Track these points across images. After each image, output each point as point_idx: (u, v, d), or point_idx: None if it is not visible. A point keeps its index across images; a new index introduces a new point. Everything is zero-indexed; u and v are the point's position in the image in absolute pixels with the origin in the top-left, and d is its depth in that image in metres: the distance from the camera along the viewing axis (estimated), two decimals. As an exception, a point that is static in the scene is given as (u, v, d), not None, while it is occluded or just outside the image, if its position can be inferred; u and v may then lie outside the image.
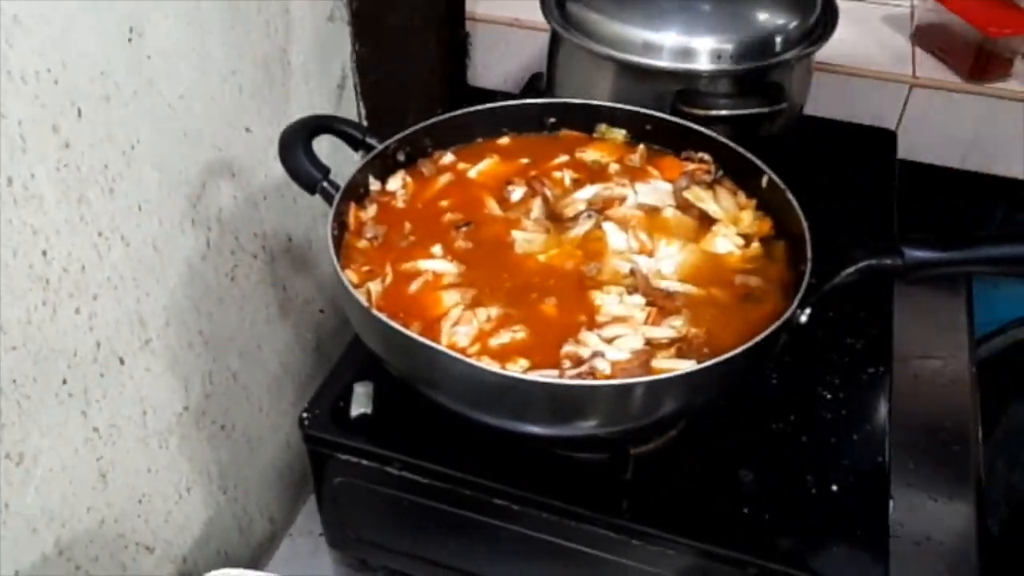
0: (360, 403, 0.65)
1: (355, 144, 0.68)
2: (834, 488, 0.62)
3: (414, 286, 0.59)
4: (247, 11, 0.78)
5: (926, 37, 1.07)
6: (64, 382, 0.64)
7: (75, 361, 0.65)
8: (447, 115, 0.72)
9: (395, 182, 0.69)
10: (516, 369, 0.54)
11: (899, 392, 0.95)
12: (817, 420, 0.67)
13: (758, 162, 0.69)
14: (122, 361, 0.70)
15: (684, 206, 0.69)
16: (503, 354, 0.56)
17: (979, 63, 1.00)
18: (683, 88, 0.78)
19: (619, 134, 0.75)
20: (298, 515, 0.80)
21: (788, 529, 0.61)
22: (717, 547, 0.59)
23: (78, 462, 0.67)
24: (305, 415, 0.65)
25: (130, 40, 0.64)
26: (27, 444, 0.62)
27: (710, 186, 0.71)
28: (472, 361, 0.52)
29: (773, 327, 0.55)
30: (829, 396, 0.69)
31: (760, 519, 0.61)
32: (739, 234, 0.67)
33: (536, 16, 0.88)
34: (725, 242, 0.66)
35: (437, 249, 0.63)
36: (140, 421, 0.74)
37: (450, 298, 0.58)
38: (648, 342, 0.57)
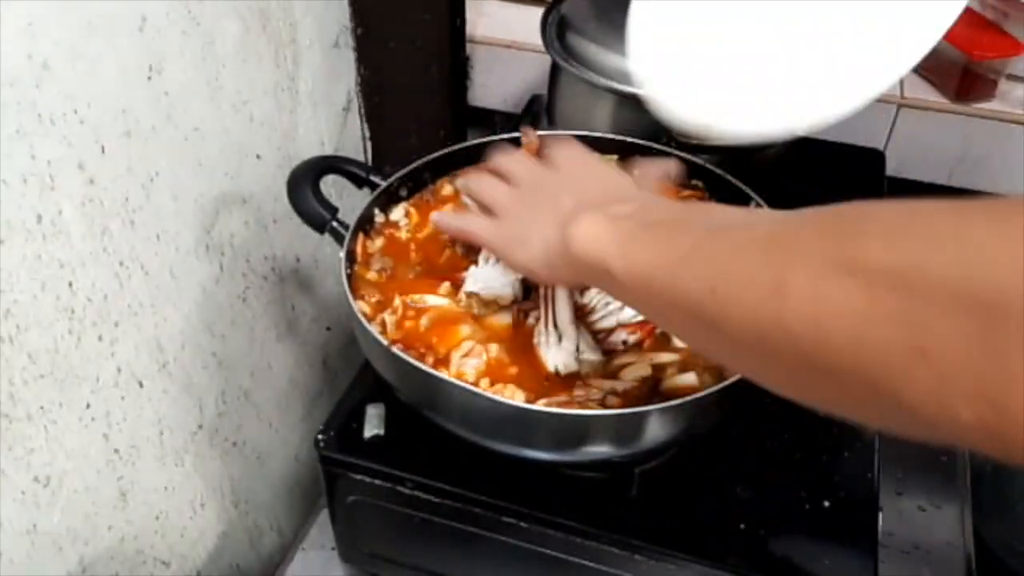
0: (373, 425, 0.68)
1: (359, 182, 0.71)
2: (826, 504, 0.65)
3: (424, 320, 0.61)
4: (257, 43, 0.80)
5: (913, 58, 1.09)
6: (88, 406, 0.67)
7: (98, 386, 0.67)
8: (446, 150, 0.74)
9: (398, 212, 0.71)
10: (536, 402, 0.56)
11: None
12: (809, 438, 0.70)
13: (744, 187, 0.71)
14: (141, 384, 0.72)
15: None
16: (511, 383, 0.58)
17: (964, 84, 1.02)
18: (680, 117, 0.80)
19: (611, 160, 0.77)
20: (310, 529, 0.83)
21: (782, 543, 0.63)
22: (715, 562, 0.61)
23: (100, 483, 0.70)
24: (320, 436, 0.67)
25: (149, 78, 0.66)
26: (53, 467, 0.64)
27: None
28: (487, 394, 0.54)
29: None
30: (821, 414, 0.72)
31: (756, 534, 0.63)
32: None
33: (533, 39, 0.91)
34: None
35: (445, 287, 0.65)
36: (157, 441, 0.76)
37: (464, 331, 0.60)
38: (654, 368, 0.59)
